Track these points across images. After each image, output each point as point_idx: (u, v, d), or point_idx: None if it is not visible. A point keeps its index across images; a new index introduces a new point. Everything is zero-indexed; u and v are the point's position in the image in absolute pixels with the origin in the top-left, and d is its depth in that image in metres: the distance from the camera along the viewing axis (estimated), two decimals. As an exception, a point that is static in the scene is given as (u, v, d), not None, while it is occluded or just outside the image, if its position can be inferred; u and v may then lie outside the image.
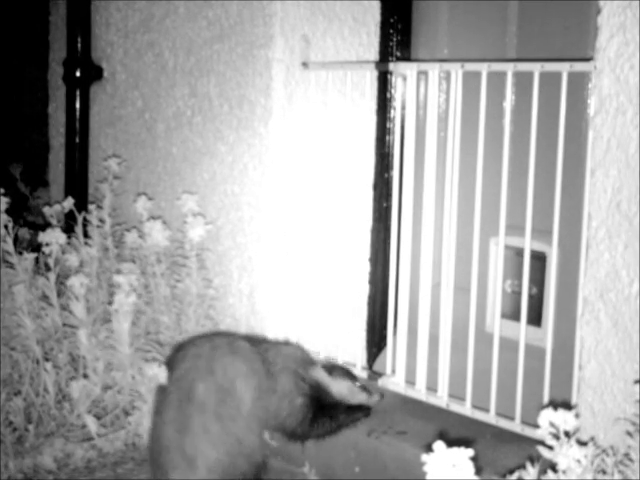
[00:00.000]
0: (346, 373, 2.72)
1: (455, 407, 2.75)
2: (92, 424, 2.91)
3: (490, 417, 2.65)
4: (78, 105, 3.82)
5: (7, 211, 3.17)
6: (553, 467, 1.86)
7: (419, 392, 2.85)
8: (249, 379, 2.53)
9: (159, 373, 2.66)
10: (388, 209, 3.09)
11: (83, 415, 2.92)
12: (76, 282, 2.97)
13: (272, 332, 3.12)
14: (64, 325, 3.08)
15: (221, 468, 2.46)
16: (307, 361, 2.71)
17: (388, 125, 3.17)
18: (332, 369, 2.71)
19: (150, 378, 2.71)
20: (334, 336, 3.10)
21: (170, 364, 2.61)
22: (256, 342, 2.70)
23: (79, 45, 3.78)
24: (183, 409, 2.47)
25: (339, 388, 2.67)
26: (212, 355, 2.53)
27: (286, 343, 2.89)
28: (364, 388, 2.71)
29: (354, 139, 3.13)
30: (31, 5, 4.65)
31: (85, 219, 3.35)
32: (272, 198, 3.10)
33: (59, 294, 3.11)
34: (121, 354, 2.97)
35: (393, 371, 2.96)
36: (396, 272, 2.94)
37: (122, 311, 2.93)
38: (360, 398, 2.69)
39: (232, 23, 3.19)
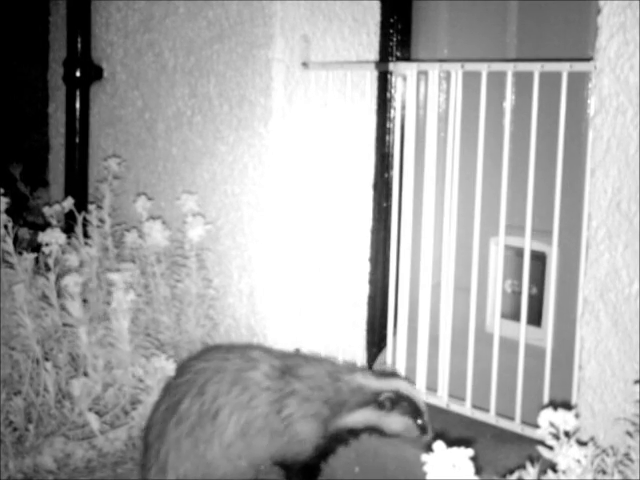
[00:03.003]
0: (407, 403, 2.48)
1: (455, 407, 2.75)
2: (94, 422, 2.91)
3: (490, 417, 2.65)
4: (78, 105, 3.82)
5: (7, 211, 3.17)
6: (553, 467, 1.86)
7: (419, 392, 2.85)
8: (237, 414, 2.47)
9: (166, 365, 2.68)
10: (388, 209, 3.09)
11: (85, 413, 2.92)
12: (70, 281, 2.98)
13: (272, 332, 3.12)
14: (64, 325, 3.08)
15: None
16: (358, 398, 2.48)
17: (388, 125, 3.17)
18: (392, 400, 2.47)
19: (157, 370, 2.74)
20: (334, 336, 3.10)
21: (178, 369, 2.62)
22: (290, 368, 2.52)
23: (79, 45, 3.79)
24: (165, 417, 2.50)
25: (394, 425, 2.48)
26: (211, 377, 2.51)
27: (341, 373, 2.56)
28: (423, 424, 2.48)
29: (354, 139, 3.13)
30: (31, 5, 4.65)
31: (85, 219, 3.35)
32: (272, 198, 3.10)
33: (59, 294, 3.11)
34: (121, 351, 2.97)
35: (393, 371, 2.96)
36: (396, 272, 2.94)
37: (121, 309, 2.94)
38: (412, 435, 2.49)
39: (232, 23, 3.19)
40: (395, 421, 2.47)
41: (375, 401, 2.47)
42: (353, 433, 2.53)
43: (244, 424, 2.47)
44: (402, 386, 2.51)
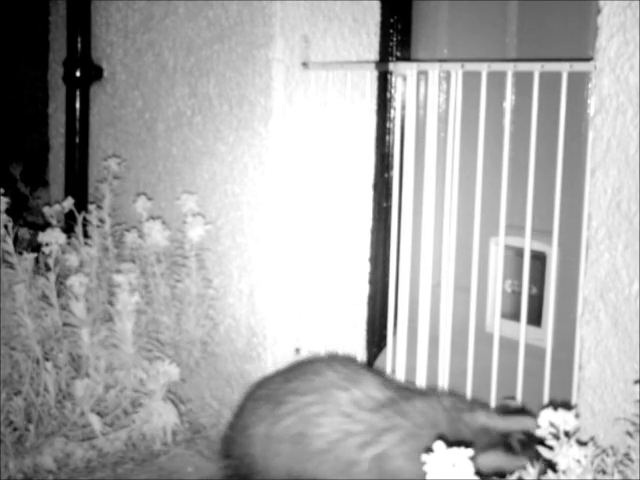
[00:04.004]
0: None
1: (455, 407, 2.74)
2: (96, 423, 2.91)
3: (490, 417, 2.64)
4: (78, 105, 3.82)
5: (7, 211, 3.17)
6: (553, 467, 1.86)
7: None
8: (294, 419, 2.36)
9: (170, 370, 2.67)
10: (388, 209, 3.09)
11: (87, 414, 2.92)
12: (75, 281, 2.98)
13: (272, 332, 3.12)
14: (64, 325, 3.08)
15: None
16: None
17: (388, 125, 3.17)
18: (523, 442, 2.22)
19: (161, 374, 2.74)
20: (334, 336, 3.10)
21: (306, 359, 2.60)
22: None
23: (79, 45, 3.78)
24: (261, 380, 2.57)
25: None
26: (304, 373, 2.45)
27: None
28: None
29: (354, 139, 3.12)
30: (31, 5, 4.65)
31: (85, 219, 3.35)
32: (272, 198, 3.10)
33: (59, 294, 3.11)
34: (124, 353, 2.97)
35: (393, 371, 2.96)
36: (396, 272, 2.93)
37: (125, 311, 2.94)
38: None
39: (232, 23, 3.19)
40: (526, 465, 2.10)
41: (504, 443, 2.22)
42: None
43: (299, 433, 2.36)
44: (531, 425, 2.17)
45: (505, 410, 2.32)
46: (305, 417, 2.36)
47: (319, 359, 2.56)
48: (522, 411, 2.32)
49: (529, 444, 2.18)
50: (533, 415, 2.29)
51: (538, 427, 2.04)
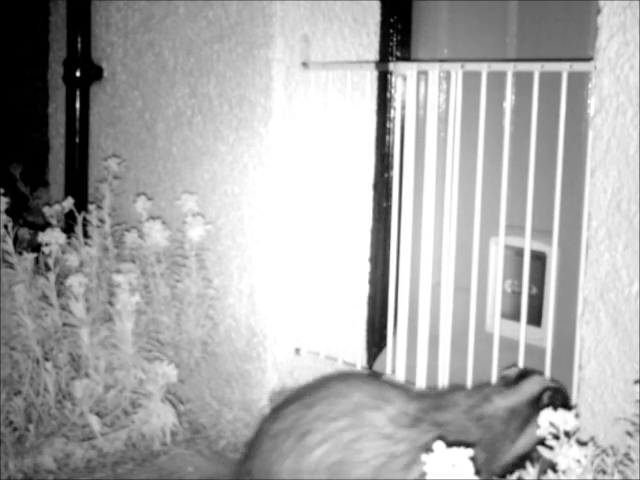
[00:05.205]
0: (560, 396, 2.23)
1: (455, 407, 2.74)
2: (95, 423, 2.91)
3: (490, 417, 2.64)
4: (78, 105, 3.82)
5: (7, 211, 3.17)
6: (553, 467, 1.86)
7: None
8: (329, 446, 2.18)
9: (168, 371, 2.67)
10: (388, 209, 3.09)
11: (86, 414, 2.92)
12: (75, 281, 2.98)
13: (272, 332, 3.12)
14: (64, 325, 3.08)
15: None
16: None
17: (388, 125, 3.17)
18: (552, 397, 2.21)
19: (159, 376, 2.73)
20: (334, 336, 3.10)
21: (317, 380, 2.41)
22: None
23: (79, 45, 3.79)
24: (273, 410, 2.36)
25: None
26: (327, 397, 2.24)
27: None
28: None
29: (354, 139, 3.12)
30: (31, 5, 4.64)
31: (85, 219, 3.35)
32: (272, 198, 3.10)
33: (59, 294, 3.11)
34: (124, 353, 2.97)
35: (393, 371, 2.96)
36: (396, 272, 2.93)
37: (125, 311, 2.94)
38: None
39: (232, 23, 3.19)
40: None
41: (538, 410, 2.03)
42: (525, 457, 2.19)
43: (337, 462, 2.18)
44: (541, 381, 2.27)
45: (511, 382, 2.29)
46: (341, 444, 2.18)
47: (334, 378, 2.33)
48: (526, 374, 2.31)
49: (555, 397, 2.23)
50: (538, 372, 2.35)
51: (545, 379, 2.17)
